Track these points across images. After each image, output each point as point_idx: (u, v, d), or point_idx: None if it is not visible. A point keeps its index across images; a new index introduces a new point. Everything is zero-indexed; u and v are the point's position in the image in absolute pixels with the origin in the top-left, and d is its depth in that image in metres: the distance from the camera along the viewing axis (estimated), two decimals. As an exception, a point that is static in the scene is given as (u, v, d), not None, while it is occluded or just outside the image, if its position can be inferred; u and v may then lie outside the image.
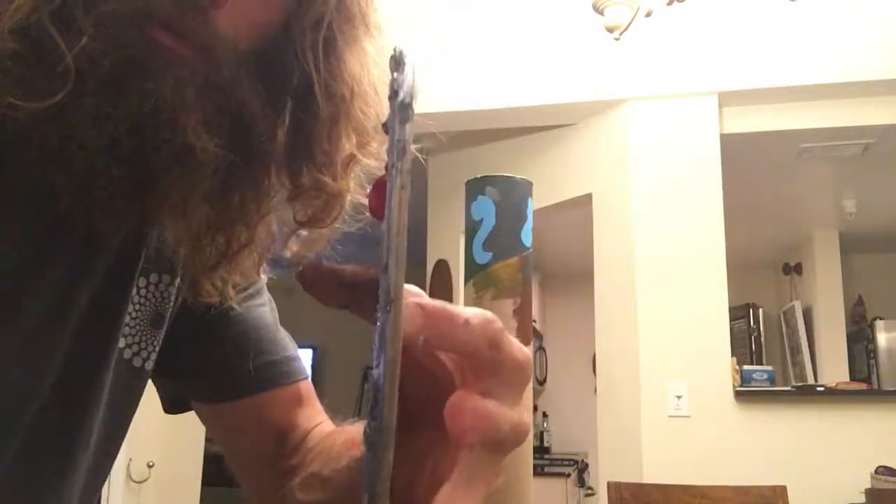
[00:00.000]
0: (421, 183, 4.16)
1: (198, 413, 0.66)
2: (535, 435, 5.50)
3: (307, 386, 0.66)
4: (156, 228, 0.50)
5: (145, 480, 3.08)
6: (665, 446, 3.16)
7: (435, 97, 3.19)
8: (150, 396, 0.67)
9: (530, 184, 0.41)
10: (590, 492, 5.17)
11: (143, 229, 0.50)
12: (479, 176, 0.40)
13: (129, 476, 3.03)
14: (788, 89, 3.32)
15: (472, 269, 0.40)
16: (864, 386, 4.18)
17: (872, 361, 5.12)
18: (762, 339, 5.62)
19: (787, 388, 3.90)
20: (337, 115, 0.51)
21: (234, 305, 0.58)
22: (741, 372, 3.48)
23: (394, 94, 0.29)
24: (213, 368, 0.63)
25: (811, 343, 5.29)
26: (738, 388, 3.27)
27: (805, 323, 5.38)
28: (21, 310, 0.47)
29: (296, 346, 0.67)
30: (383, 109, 0.53)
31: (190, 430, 3.15)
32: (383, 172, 0.29)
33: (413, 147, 0.29)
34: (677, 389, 3.20)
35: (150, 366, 0.57)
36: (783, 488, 2.37)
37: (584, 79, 3.48)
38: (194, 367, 0.63)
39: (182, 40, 0.43)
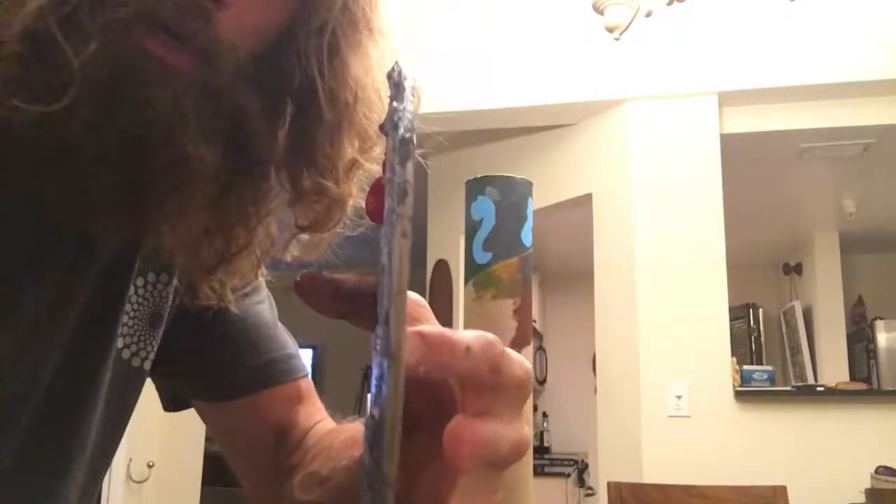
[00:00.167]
0: (421, 183, 4.16)
1: (197, 411, 0.66)
2: (535, 435, 5.50)
3: (307, 383, 0.66)
4: (152, 233, 0.49)
5: (145, 480, 3.08)
6: (665, 446, 3.16)
7: (435, 97, 3.18)
8: (151, 396, 0.67)
9: (530, 184, 0.41)
10: (590, 492, 5.17)
11: (140, 235, 0.50)
12: (479, 176, 0.40)
13: (129, 476, 3.03)
14: (788, 89, 3.32)
15: (472, 269, 0.40)
16: (864, 386, 4.17)
17: (872, 361, 5.11)
18: (762, 339, 5.61)
19: (787, 388, 3.90)
20: (340, 120, 0.51)
21: (232, 304, 0.58)
22: (741, 372, 3.48)
23: (393, 126, 0.28)
24: (212, 367, 0.63)
25: (811, 343, 5.29)
26: (738, 388, 3.27)
27: (805, 323, 5.38)
28: (18, 311, 0.47)
29: (295, 343, 0.67)
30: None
31: (190, 429, 3.15)
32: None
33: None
34: (677, 389, 3.20)
35: (148, 365, 0.57)
36: (783, 488, 2.37)
37: (584, 79, 3.48)
38: (193, 366, 0.63)
39: (180, 48, 0.42)
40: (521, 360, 0.31)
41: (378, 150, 0.54)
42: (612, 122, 3.54)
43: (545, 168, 3.78)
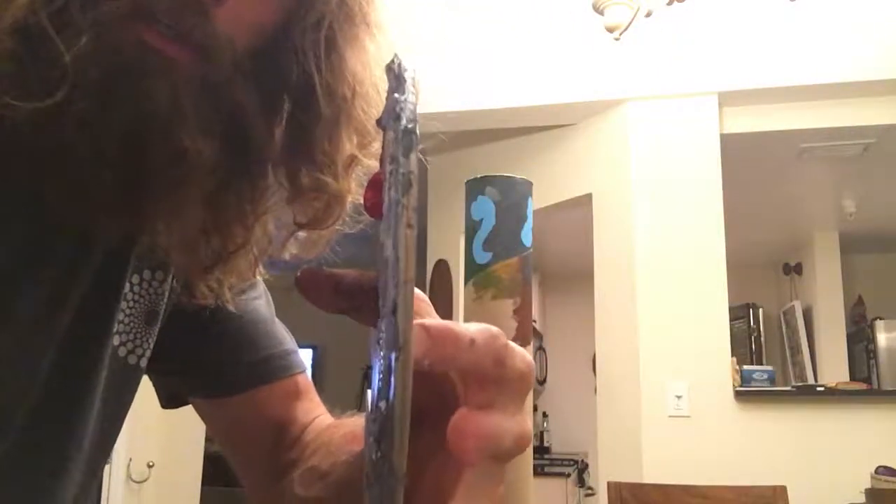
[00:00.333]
0: (421, 182, 4.14)
1: (195, 408, 0.66)
2: (535, 435, 5.50)
3: (305, 379, 0.66)
4: (148, 229, 0.49)
5: (145, 480, 3.08)
6: (665, 446, 3.16)
7: (434, 97, 3.18)
8: (150, 395, 0.66)
9: (530, 184, 0.41)
10: (590, 492, 5.17)
11: (137, 231, 0.50)
12: (479, 176, 0.40)
13: (129, 476, 3.02)
14: (788, 89, 3.33)
15: (472, 269, 0.40)
16: (864, 386, 4.17)
17: (872, 361, 5.11)
18: (762, 339, 5.61)
19: (787, 388, 3.91)
20: (338, 116, 0.51)
21: (229, 303, 0.58)
22: (741, 372, 3.48)
23: (395, 116, 0.28)
24: (209, 364, 0.63)
25: (811, 343, 5.29)
26: (738, 388, 3.27)
27: (805, 323, 5.38)
28: (14, 309, 0.47)
29: (293, 338, 0.67)
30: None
31: (190, 429, 3.15)
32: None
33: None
34: (677, 389, 3.20)
35: (144, 363, 0.57)
36: (783, 488, 2.37)
37: (584, 79, 3.48)
38: (191, 363, 0.63)
39: (178, 42, 0.42)
40: (524, 353, 0.31)
41: (377, 146, 0.53)
42: (612, 122, 3.54)
43: (545, 168, 3.78)
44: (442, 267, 4.22)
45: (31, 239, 0.47)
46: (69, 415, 0.51)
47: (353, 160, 0.53)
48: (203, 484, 3.44)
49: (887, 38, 3.20)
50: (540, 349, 6.04)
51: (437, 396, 0.32)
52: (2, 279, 0.46)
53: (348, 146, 0.52)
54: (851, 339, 5.29)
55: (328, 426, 0.62)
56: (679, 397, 3.19)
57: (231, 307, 0.58)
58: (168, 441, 3.17)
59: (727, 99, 3.41)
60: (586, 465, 5.42)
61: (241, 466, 0.66)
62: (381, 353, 0.26)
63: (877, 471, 3.05)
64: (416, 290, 0.29)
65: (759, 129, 3.47)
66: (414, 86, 0.28)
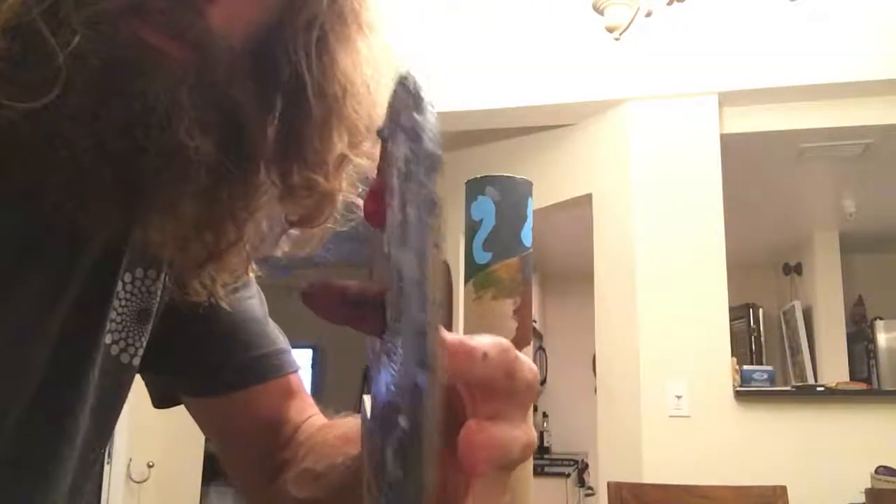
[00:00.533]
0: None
1: (188, 408, 0.66)
2: (535, 435, 5.49)
3: (297, 378, 0.66)
4: (142, 226, 0.49)
5: (145, 480, 3.08)
6: (665, 446, 3.16)
7: (434, 97, 3.18)
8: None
9: (530, 184, 0.41)
10: (590, 492, 5.17)
11: (130, 227, 0.50)
12: (479, 176, 0.40)
13: (129, 476, 3.02)
14: (788, 89, 3.32)
15: (472, 269, 0.40)
16: (864, 386, 4.17)
17: (872, 361, 5.11)
18: (762, 339, 5.61)
19: (787, 388, 3.90)
20: (329, 115, 0.51)
21: (222, 300, 0.58)
22: (741, 372, 3.48)
23: (415, 137, 0.27)
24: (202, 363, 0.62)
25: (811, 343, 5.29)
26: (738, 388, 3.26)
27: (805, 323, 5.37)
28: (9, 309, 0.47)
29: (286, 338, 0.67)
30: (376, 108, 0.53)
31: (190, 429, 3.13)
32: (374, 172, 0.28)
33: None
34: (677, 389, 3.19)
35: (137, 361, 0.57)
36: (783, 488, 2.37)
37: (584, 79, 3.48)
38: (183, 362, 0.63)
39: (174, 39, 0.42)
40: (530, 364, 0.32)
41: (367, 146, 0.54)
42: (612, 122, 3.54)
43: (545, 168, 3.77)
44: (442, 267, 4.22)
45: (25, 237, 0.47)
46: (62, 414, 0.51)
47: (343, 159, 0.53)
48: (203, 483, 3.44)
49: (887, 38, 3.20)
50: (540, 349, 6.04)
51: (444, 407, 0.32)
52: None
53: (339, 145, 0.53)
54: (851, 339, 5.29)
55: (321, 426, 0.62)
56: (679, 397, 3.19)
57: (224, 304, 0.58)
58: (168, 441, 3.17)
59: (727, 99, 3.41)
60: (586, 465, 5.42)
61: (233, 465, 0.66)
62: (396, 368, 0.26)
63: (877, 471, 3.05)
64: None
65: (759, 129, 3.47)
66: (432, 105, 0.28)
